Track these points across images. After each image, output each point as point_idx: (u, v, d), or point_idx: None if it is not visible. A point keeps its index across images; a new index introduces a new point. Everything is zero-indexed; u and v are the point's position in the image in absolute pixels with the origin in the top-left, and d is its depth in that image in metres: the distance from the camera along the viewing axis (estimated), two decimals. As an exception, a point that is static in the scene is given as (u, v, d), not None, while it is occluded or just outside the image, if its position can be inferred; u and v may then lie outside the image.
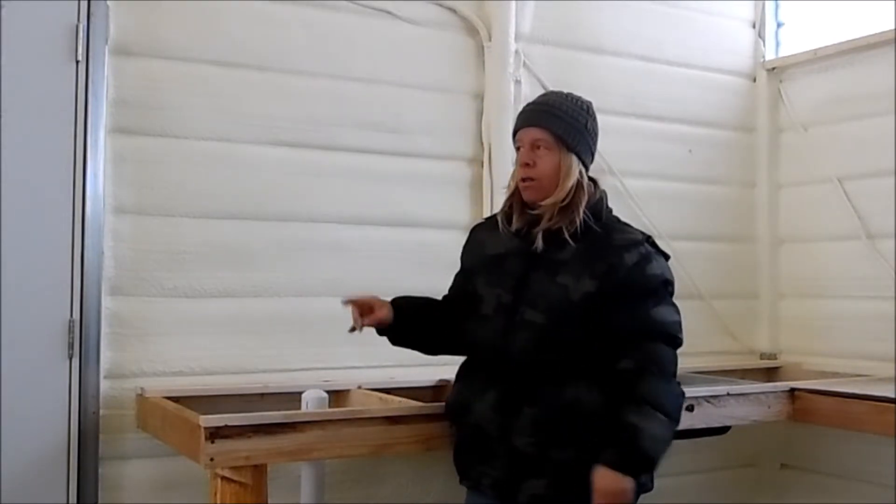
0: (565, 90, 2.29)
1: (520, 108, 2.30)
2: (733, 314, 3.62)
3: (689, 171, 3.56)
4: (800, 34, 3.68)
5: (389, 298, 2.28)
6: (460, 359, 2.29)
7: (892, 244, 3.21)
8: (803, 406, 2.84)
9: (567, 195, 2.12)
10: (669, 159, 3.51)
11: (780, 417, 2.86)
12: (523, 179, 2.17)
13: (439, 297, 2.37)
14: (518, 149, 2.21)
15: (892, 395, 2.65)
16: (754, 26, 3.74)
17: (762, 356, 3.64)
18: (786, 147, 3.66)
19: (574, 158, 2.15)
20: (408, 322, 2.28)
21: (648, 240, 2.18)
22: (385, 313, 2.23)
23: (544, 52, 3.25)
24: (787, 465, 3.52)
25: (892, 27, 3.21)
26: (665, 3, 3.54)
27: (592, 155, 2.23)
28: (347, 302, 2.24)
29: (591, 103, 2.25)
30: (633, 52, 3.45)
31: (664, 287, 2.15)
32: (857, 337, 3.32)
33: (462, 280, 2.33)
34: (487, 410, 2.13)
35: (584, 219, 2.12)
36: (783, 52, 3.71)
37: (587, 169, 2.19)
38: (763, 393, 2.83)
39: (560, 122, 2.15)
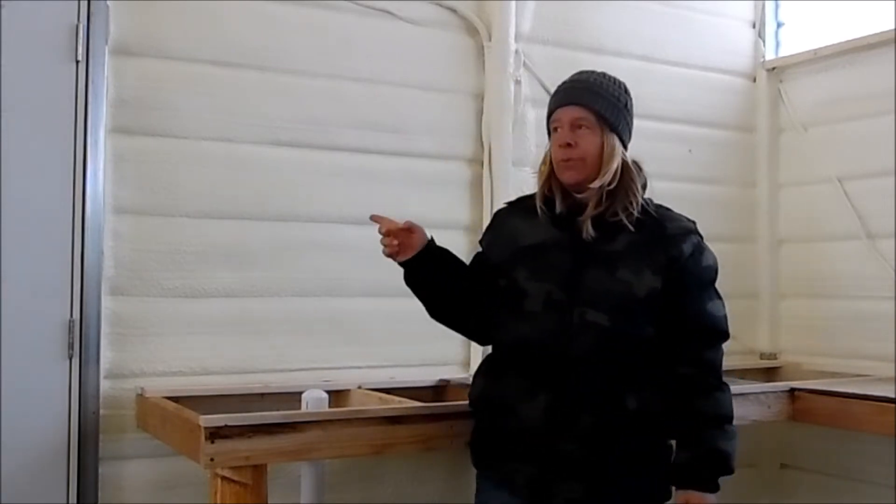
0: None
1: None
2: (733, 314, 3.55)
3: (689, 171, 3.55)
4: (800, 34, 3.68)
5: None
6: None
7: (892, 244, 3.21)
8: (803, 406, 2.84)
9: (614, 178, 2.01)
10: (669, 159, 3.49)
11: (780, 417, 2.86)
12: (564, 160, 2.02)
13: None
14: (555, 129, 2.07)
15: (892, 395, 2.65)
16: (754, 26, 3.74)
17: (762, 356, 3.64)
18: (786, 147, 3.66)
19: (616, 139, 2.03)
20: (435, 263, 2.11)
21: (696, 226, 2.11)
22: (417, 239, 2.08)
23: (544, 52, 3.24)
24: (787, 465, 3.52)
25: (892, 27, 3.21)
26: (665, 3, 3.54)
27: (630, 137, 2.11)
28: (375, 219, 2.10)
29: (625, 83, 2.14)
30: (633, 52, 3.45)
31: (715, 279, 2.09)
32: (857, 337, 3.32)
33: (482, 268, 2.15)
34: (537, 414, 1.97)
35: (641, 203, 2.02)
36: (783, 52, 3.71)
37: (626, 150, 2.08)
38: (763, 393, 2.83)
39: (602, 101, 2.04)
